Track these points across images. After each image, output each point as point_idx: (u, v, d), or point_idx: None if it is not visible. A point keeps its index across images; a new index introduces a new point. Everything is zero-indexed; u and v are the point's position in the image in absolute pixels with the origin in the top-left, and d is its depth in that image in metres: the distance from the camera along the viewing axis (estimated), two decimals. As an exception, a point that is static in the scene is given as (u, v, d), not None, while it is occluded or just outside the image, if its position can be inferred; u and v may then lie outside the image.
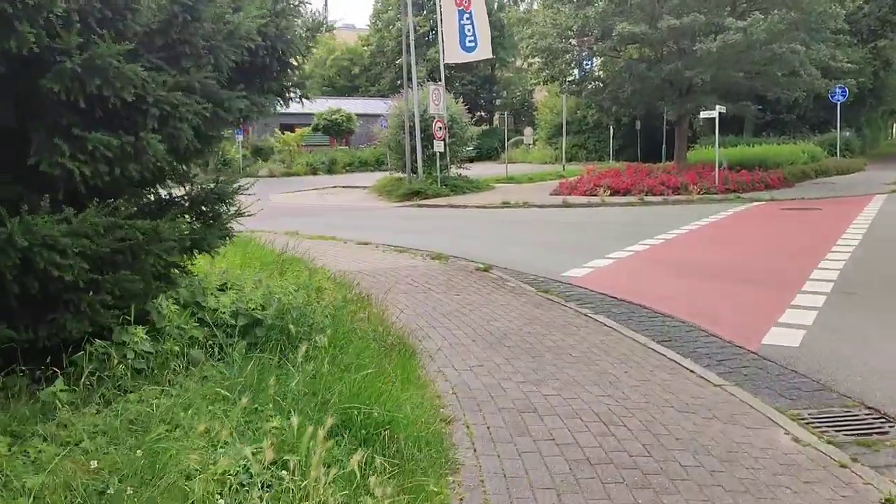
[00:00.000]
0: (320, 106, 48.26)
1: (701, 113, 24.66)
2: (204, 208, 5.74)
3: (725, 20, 22.99)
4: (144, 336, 4.66)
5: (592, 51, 28.49)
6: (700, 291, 9.33)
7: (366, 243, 13.11)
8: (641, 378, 5.91)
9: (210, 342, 5.09)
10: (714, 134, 25.43)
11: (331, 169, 41.17)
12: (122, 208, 4.46)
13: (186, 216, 5.72)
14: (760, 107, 31.56)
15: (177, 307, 5.12)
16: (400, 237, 14.44)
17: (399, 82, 25.81)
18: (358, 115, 46.31)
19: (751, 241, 13.86)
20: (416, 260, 11.23)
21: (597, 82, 30.08)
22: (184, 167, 5.57)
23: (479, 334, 7.04)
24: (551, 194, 23.72)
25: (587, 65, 31.01)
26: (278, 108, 6.17)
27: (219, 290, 5.63)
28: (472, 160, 36.87)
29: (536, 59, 29.88)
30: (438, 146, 24.88)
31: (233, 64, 5.27)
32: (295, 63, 5.98)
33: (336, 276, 8.68)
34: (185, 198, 5.54)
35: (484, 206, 21.52)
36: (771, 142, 34.03)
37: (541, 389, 5.53)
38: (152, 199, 5.53)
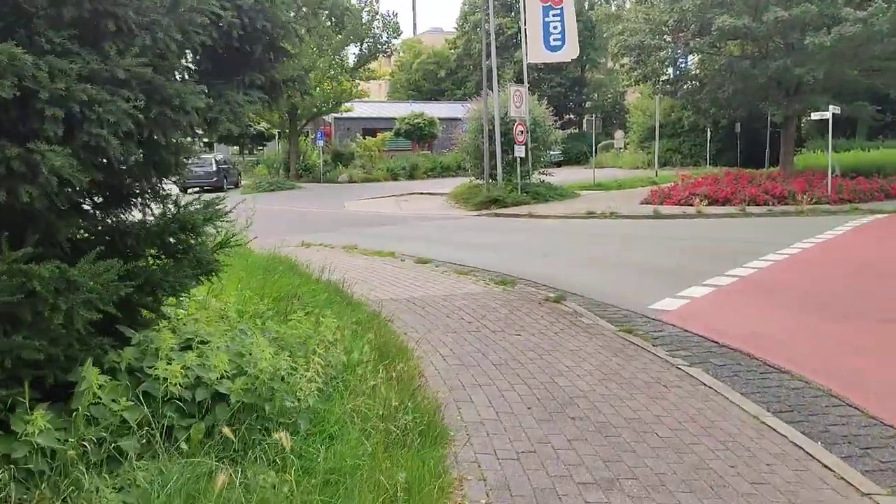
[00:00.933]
0: (403, 110, 47.43)
1: (812, 114, 22.13)
2: (171, 240, 4.42)
3: (841, 11, 20.50)
4: (46, 424, 3.34)
5: (689, 47, 26.25)
6: (828, 336, 7.45)
7: (426, 261, 11.69)
8: (755, 478, 4.23)
9: (154, 426, 3.73)
10: (823, 137, 22.92)
11: (411, 174, 40.13)
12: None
13: (152, 250, 4.45)
14: (879, 107, 28.51)
15: (110, 377, 3.78)
16: (466, 253, 12.98)
17: (487, 84, 24.34)
18: (441, 119, 45.15)
19: (887, 263, 11.67)
20: (478, 285, 9.71)
21: (693, 82, 27.80)
22: (140, 185, 4.27)
23: (537, 397, 5.47)
24: (641, 203, 21.76)
25: (682, 63, 28.75)
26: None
27: (182, 348, 4.28)
28: (558, 164, 35.08)
29: (626, 58, 27.88)
30: (519, 151, 23.31)
31: (196, 48, 3.93)
32: (289, 49, 4.61)
33: (369, 312, 7.27)
34: (139, 227, 4.22)
35: (566, 216, 19.82)
36: (890, 146, 30.83)
37: (611, 499, 3.93)
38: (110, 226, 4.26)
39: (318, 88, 36.68)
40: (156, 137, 3.72)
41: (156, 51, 3.56)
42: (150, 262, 4.40)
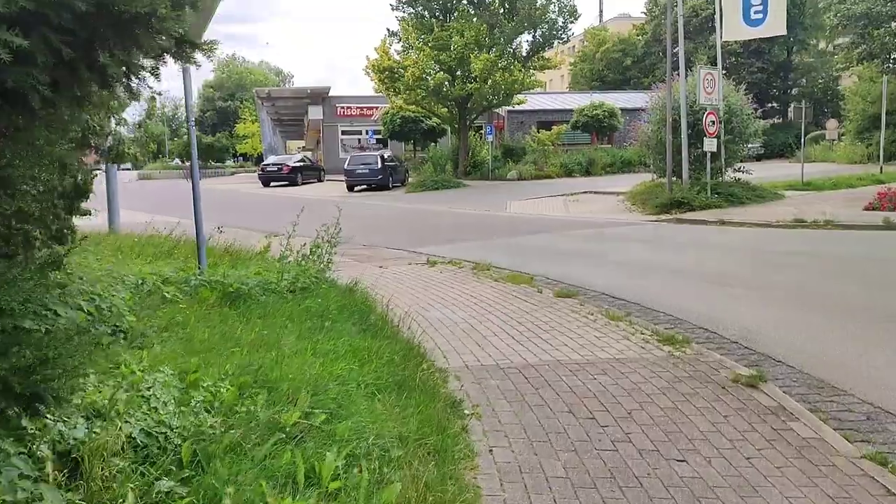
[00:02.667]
0: (582, 101, 44.11)
1: None
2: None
3: None
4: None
5: (933, 13, 21.15)
6: None
7: (570, 294, 8.81)
8: None
9: None
10: None
11: (588, 170, 36.84)
12: None
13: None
14: None
15: None
16: (629, 279, 9.97)
17: (675, 73, 20.84)
18: (623, 109, 41.35)
19: None
20: (632, 341, 6.72)
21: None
22: None
23: None
24: (865, 209, 17.37)
25: (922, 34, 23.48)
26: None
27: None
28: (757, 159, 30.45)
29: (848, 34, 23.08)
30: (710, 144, 19.60)
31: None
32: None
33: (441, 400, 4.59)
34: None
35: (767, 225, 16.02)
36: None
37: None
38: None
39: (489, 80, 34.37)
40: None
41: None
42: None
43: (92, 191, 9.69)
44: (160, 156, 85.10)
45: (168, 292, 6.48)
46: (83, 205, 8.71)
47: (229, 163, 77.39)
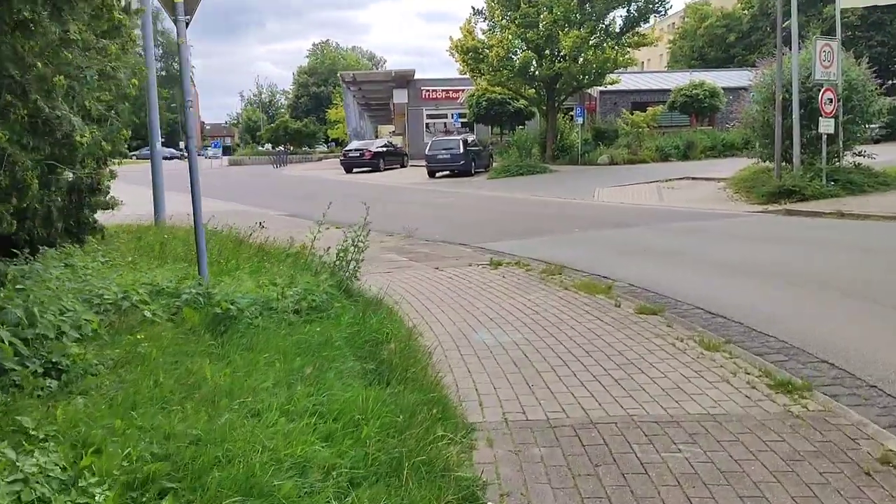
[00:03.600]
0: (681, 80, 41.41)
1: None
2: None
3: None
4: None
5: None
6: None
7: (654, 310, 7.15)
8: None
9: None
10: None
11: (686, 154, 34.32)
12: None
13: None
14: None
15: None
16: (730, 290, 8.23)
17: (786, 47, 18.57)
18: (725, 89, 38.46)
19: None
20: (730, 384, 5.04)
21: None
22: None
23: None
24: None
25: None
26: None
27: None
28: (876, 142, 27.46)
29: None
30: (826, 125, 17.30)
31: None
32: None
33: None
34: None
35: (895, 217, 13.79)
36: None
37: None
38: None
39: (579, 59, 32.38)
40: None
41: None
42: None
43: (105, 185, 8.66)
44: (252, 142, 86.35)
45: (150, 311, 5.29)
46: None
47: (321, 148, 77.51)
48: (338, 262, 6.99)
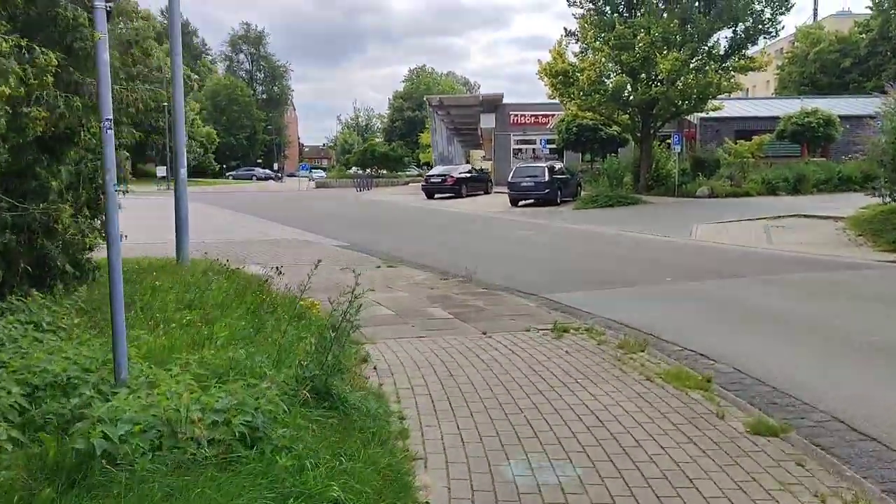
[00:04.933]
0: (790, 107, 38.11)
1: None
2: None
3: None
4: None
5: None
6: None
7: (778, 430, 4.95)
8: None
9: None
10: None
11: (796, 188, 31.13)
12: None
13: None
14: None
15: None
16: (888, 398, 5.91)
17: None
18: (841, 117, 35.00)
19: None
20: None
21: None
22: None
23: None
24: None
25: None
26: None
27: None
28: None
29: None
30: (976, 161, 14.43)
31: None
32: None
33: None
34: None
35: None
36: None
37: None
38: None
39: (677, 83, 29.88)
40: None
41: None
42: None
43: (77, 221, 7.07)
44: (339, 165, 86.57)
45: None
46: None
47: (411, 171, 76.71)
48: (314, 356, 4.83)
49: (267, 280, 9.42)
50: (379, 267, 12.74)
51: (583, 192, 33.21)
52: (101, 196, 8.91)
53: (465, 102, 53.90)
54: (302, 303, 6.73)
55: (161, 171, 58.27)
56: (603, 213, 26.40)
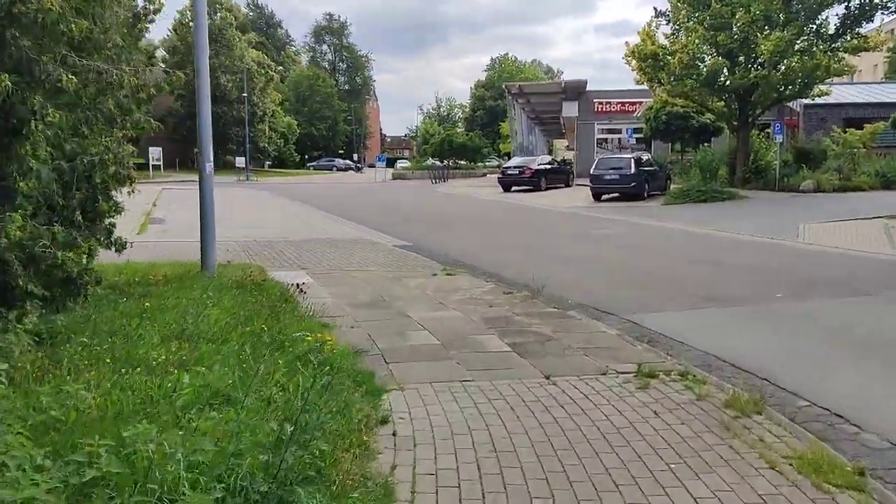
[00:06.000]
0: (908, 92, 34.50)
1: None
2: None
3: None
4: None
5: None
6: None
7: None
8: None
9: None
10: None
11: (914, 182, 27.97)
12: None
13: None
14: None
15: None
16: None
17: None
18: (969, 102, 31.36)
19: None
20: None
21: None
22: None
23: None
24: None
25: None
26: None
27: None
28: None
29: None
30: None
31: None
32: None
33: None
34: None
35: None
36: None
37: None
38: None
39: (780, 66, 27.14)
40: None
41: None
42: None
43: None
44: (420, 155, 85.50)
45: None
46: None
47: (491, 162, 74.82)
48: (268, 456, 3.15)
49: (292, 294, 7.97)
50: (435, 274, 11.16)
51: (672, 186, 30.84)
52: (99, 198, 7.66)
53: (546, 90, 51.65)
54: (310, 339, 5.20)
55: (240, 161, 58.35)
56: (695, 210, 24.09)
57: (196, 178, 9.43)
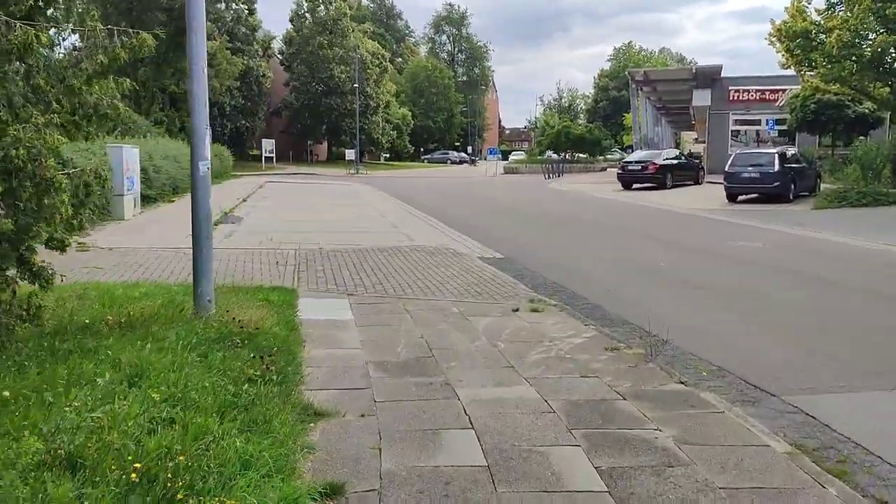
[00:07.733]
0: None
1: None
2: None
3: None
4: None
5: None
6: None
7: None
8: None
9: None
10: None
11: None
12: None
13: None
14: None
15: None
16: None
17: None
18: None
19: None
20: None
21: None
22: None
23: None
24: None
25: None
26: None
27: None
28: None
29: None
30: None
31: None
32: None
33: None
34: None
35: None
36: None
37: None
38: None
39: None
40: None
41: None
42: None
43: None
44: (532, 148, 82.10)
45: None
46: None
47: (613, 155, 70.55)
48: None
49: (303, 344, 5.44)
50: (516, 310, 8.31)
51: (822, 186, 26.53)
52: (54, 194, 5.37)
53: (674, 76, 47.35)
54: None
55: (350, 154, 57.15)
56: (855, 216, 20.01)
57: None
